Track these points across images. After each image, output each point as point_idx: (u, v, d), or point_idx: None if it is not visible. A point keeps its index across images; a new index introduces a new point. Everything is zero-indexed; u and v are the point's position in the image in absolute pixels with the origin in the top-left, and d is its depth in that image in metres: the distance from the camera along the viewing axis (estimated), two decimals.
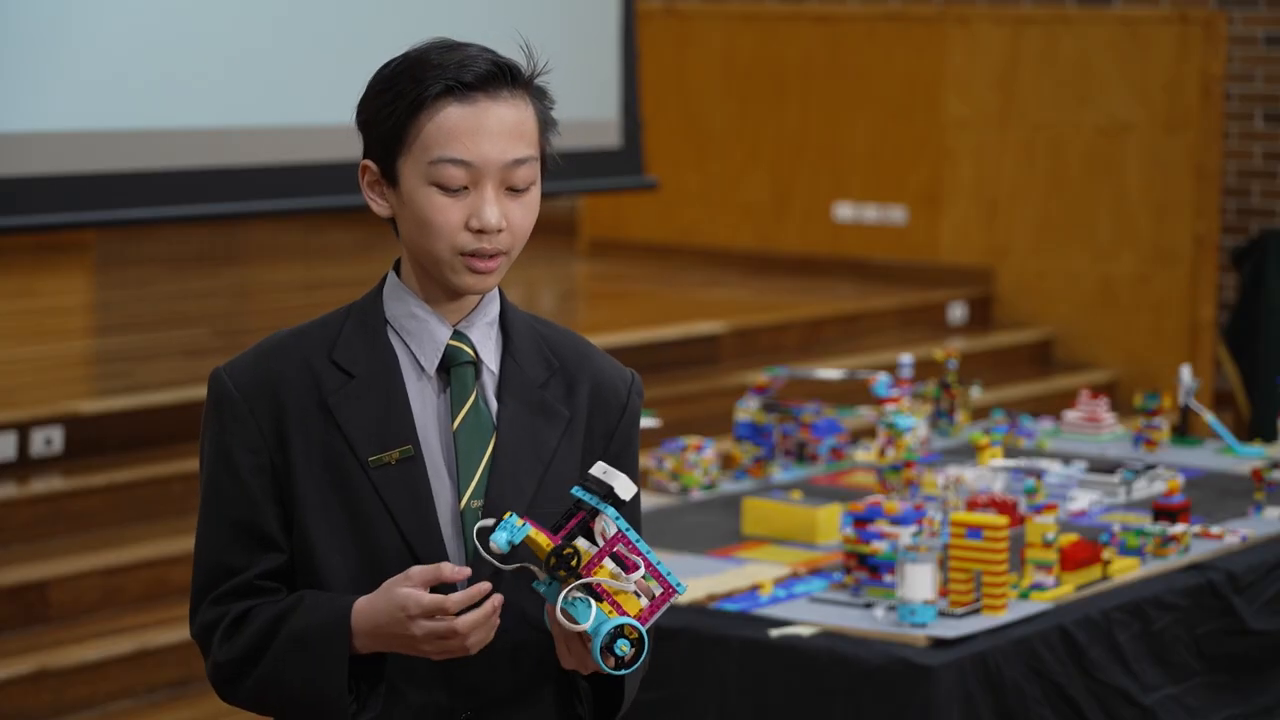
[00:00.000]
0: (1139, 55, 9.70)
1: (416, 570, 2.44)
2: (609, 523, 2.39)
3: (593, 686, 2.59)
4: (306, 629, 2.48)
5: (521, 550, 2.39)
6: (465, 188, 2.50)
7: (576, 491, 2.40)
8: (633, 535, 2.38)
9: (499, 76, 2.51)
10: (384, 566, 2.49)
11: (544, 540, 2.38)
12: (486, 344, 2.58)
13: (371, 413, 2.52)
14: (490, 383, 2.57)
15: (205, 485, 2.56)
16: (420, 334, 2.56)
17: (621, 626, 2.36)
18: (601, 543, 2.38)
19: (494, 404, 2.56)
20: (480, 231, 2.49)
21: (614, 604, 2.37)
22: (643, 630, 2.37)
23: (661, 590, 2.39)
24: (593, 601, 2.37)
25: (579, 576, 2.37)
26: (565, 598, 2.37)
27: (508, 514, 2.39)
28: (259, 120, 7.31)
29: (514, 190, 2.52)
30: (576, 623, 2.37)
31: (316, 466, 2.51)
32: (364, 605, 2.46)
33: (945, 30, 10.16)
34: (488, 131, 2.49)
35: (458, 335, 2.56)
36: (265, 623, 2.50)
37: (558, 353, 2.62)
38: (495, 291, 2.60)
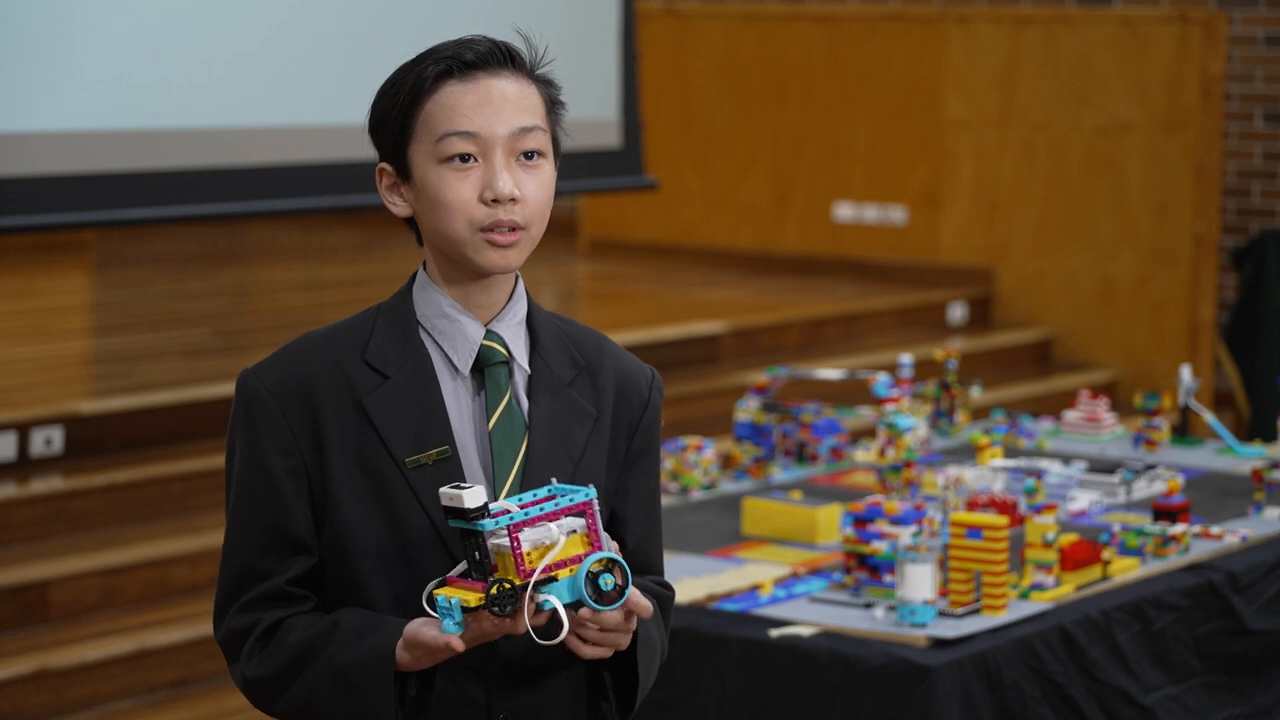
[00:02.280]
0: (1139, 55, 9.69)
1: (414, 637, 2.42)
2: (496, 534, 2.36)
3: (613, 678, 2.59)
4: (348, 665, 2.44)
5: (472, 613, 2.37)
6: (475, 160, 2.49)
7: (456, 524, 2.37)
8: (517, 516, 2.36)
9: (499, 56, 2.52)
10: (420, 567, 2.49)
11: (474, 597, 2.36)
12: (518, 343, 2.57)
13: (407, 414, 2.51)
14: (521, 381, 2.57)
15: (235, 489, 2.54)
16: (453, 334, 2.55)
17: (587, 570, 2.36)
18: (511, 544, 2.36)
19: (525, 403, 2.56)
20: (495, 202, 2.48)
21: (569, 563, 2.37)
22: (605, 553, 2.37)
23: (581, 514, 2.38)
24: (551, 590, 2.36)
25: (525, 583, 2.35)
26: (539, 604, 2.35)
27: (437, 595, 2.37)
28: (259, 120, 7.30)
29: (525, 161, 2.51)
30: (559, 611, 2.36)
31: (352, 466, 2.50)
32: (404, 650, 2.43)
33: (945, 30, 10.16)
34: (490, 103, 2.49)
35: (490, 335, 2.55)
36: (300, 644, 2.47)
37: (582, 350, 2.62)
38: (523, 291, 2.60)
